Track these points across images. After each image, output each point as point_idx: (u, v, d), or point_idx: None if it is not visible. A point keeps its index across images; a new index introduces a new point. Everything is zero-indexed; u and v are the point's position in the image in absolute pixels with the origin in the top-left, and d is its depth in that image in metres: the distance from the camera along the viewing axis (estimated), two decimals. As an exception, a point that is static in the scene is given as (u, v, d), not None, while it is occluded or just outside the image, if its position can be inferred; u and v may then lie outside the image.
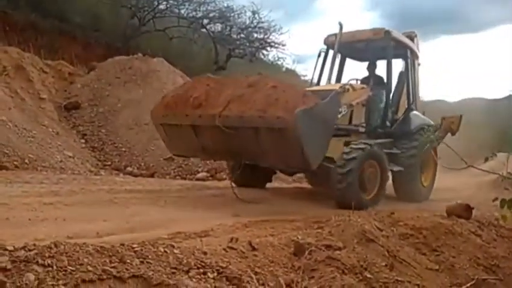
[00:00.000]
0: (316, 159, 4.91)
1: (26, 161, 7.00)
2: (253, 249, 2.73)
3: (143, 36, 17.38)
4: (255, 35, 19.48)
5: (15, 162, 6.83)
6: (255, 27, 19.08)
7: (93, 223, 3.80)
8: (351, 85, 6.74)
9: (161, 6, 17.78)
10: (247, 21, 19.07)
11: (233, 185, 5.83)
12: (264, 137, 4.90)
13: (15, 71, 9.61)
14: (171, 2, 17.79)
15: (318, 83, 7.57)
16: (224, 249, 2.66)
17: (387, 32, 7.04)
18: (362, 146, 5.71)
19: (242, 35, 19.45)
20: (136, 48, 14.60)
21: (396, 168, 6.74)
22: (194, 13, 18.45)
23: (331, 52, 7.30)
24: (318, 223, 4.08)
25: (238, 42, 19.42)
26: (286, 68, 21.84)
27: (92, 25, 15.86)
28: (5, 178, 5.75)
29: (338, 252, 2.87)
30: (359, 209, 5.12)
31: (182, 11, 18.35)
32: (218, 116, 4.97)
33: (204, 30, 18.86)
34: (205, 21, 18.60)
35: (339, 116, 5.95)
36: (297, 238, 3.01)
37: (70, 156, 7.99)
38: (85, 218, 3.98)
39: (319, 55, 7.49)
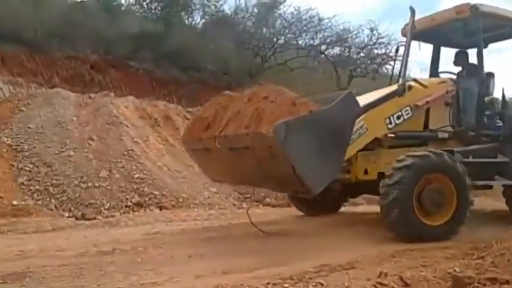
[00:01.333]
0: (318, 182, 4.00)
1: (180, 200, 7.87)
2: (406, 284, 2.60)
3: (266, 72, 18.35)
4: (376, 51, 18.96)
5: (172, 202, 7.74)
6: (375, 43, 18.61)
7: (243, 257, 4.04)
8: (416, 81, 5.58)
9: (280, 41, 18.63)
10: (366, 40, 18.73)
11: (249, 213, 5.21)
12: (257, 158, 4.21)
13: (164, 121, 11.01)
14: (289, 35, 18.54)
15: (404, 76, 6.38)
16: (374, 286, 2.59)
17: (474, 8, 5.55)
18: (420, 153, 4.66)
19: (362, 54, 19.11)
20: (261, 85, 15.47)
21: (504, 182, 5.44)
22: (311, 41, 18.88)
23: (415, 44, 6.21)
24: (476, 251, 3.69)
25: (358, 62, 19.12)
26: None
27: (222, 70, 17.40)
28: (166, 218, 6.57)
29: (506, 286, 2.55)
30: (420, 239, 4.35)
31: (300, 42, 18.95)
32: (217, 137, 4.55)
33: (322, 56, 19.10)
34: (323, 47, 18.84)
35: (398, 121, 5.06)
36: (455, 271, 2.76)
37: (215, 192, 8.72)
38: (236, 252, 4.26)
39: (397, 50, 6.55)
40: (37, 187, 7.15)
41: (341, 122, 4.11)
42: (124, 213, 7.06)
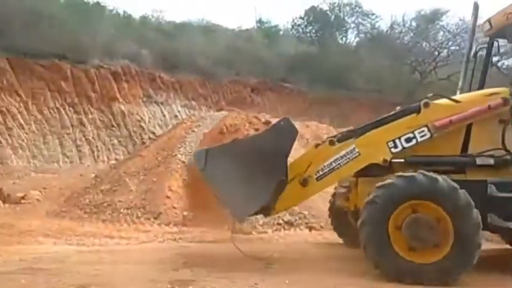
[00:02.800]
0: (242, 210, 3.98)
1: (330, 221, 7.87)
2: None
3: (425, 89, 17.12)
4: None
5: (321, 223, 7.79)
6: None
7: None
8: (447, 97, 4.72)
9: (443, 54, 17.25)
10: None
11: (233, 236, 4.85)
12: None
13: (314, 141, 11.24)
14: (453, 47, 17.01)
15: (482, 86, 5.37)
16: None
17: None
18: (406, 175, 4.00)
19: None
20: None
21: None
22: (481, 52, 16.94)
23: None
24: None
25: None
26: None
27: (376, 88, 16.94)
28: (314, 239, 6.67)
29: None
30: (406, 279, 3.78)
31: (467, 54, 17.20)
32: None
33: (494, 68, 16.90)
34: (495, 58, 16.65)
35: (408, 144, 4.39)
36: None
37: (365, 217, 8.46)
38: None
39: (475, 54, 5.35)
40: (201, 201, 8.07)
41: (271, 150, 4.00)
42: (276, 230, 7.39)
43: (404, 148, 4.48)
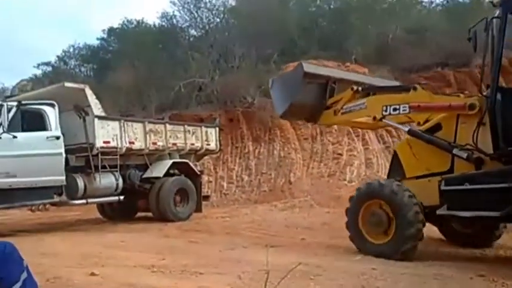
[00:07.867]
0: (279, 108, 6.81)
1: None
2: None
3: None
4: None
5: None
6: None
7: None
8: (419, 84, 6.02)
9: None
10: None
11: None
12: None
13: None
14: None
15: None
16: None
17: None
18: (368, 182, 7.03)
19: None
20: None
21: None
22: None
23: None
24: None
25: None
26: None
27: None
28: None
29: None
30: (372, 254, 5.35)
31: None
32: None
33: None
34: None
35: (394, 112, 5.73)
36: None
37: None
38: None
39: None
40: None
41: (292, 80, 6.57)
42: None
43: (390, 114, 5.74)
